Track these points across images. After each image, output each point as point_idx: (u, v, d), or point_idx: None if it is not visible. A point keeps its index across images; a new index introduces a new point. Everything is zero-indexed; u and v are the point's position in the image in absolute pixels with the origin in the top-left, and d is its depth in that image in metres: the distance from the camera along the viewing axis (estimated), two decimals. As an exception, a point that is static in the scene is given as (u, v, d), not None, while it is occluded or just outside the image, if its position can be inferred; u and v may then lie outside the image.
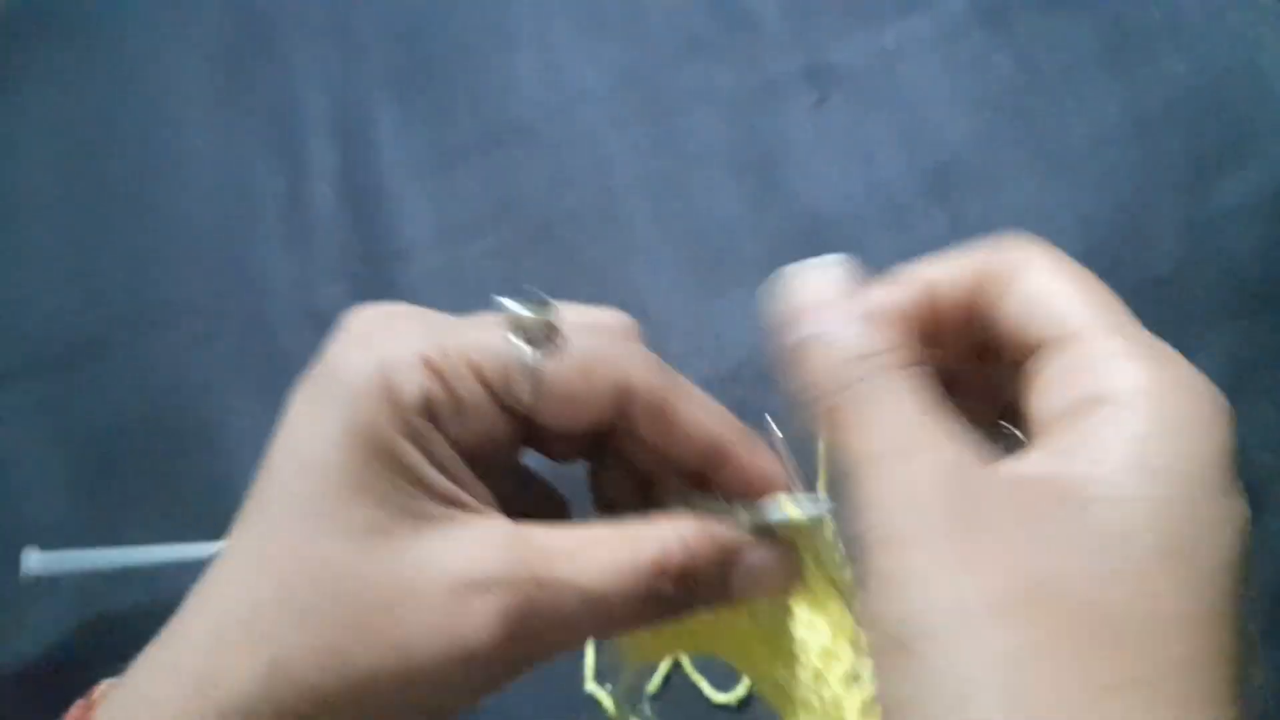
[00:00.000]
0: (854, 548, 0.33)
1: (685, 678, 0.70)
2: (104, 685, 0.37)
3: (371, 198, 0.93)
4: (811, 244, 0.82)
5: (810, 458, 0.39)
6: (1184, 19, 0.78)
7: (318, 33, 1.01)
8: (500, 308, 0.38)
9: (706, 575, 0.37)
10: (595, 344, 0.39)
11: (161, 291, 0.94)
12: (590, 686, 0.71)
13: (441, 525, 0.35)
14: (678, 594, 0.36)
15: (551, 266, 0.87)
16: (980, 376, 0.41)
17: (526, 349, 0.37)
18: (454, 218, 0.91)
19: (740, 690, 0.69)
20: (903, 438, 0.31)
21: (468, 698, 0.36)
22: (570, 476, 0.44)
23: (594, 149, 0.90)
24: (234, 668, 0.33)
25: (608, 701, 0.69)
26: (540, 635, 0.35)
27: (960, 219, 0.79)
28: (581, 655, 0.71)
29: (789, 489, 0.40)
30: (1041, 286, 0.35)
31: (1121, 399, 0.31)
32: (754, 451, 0.40)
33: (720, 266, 0.83)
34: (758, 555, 0.38)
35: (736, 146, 0.87)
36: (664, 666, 0.70)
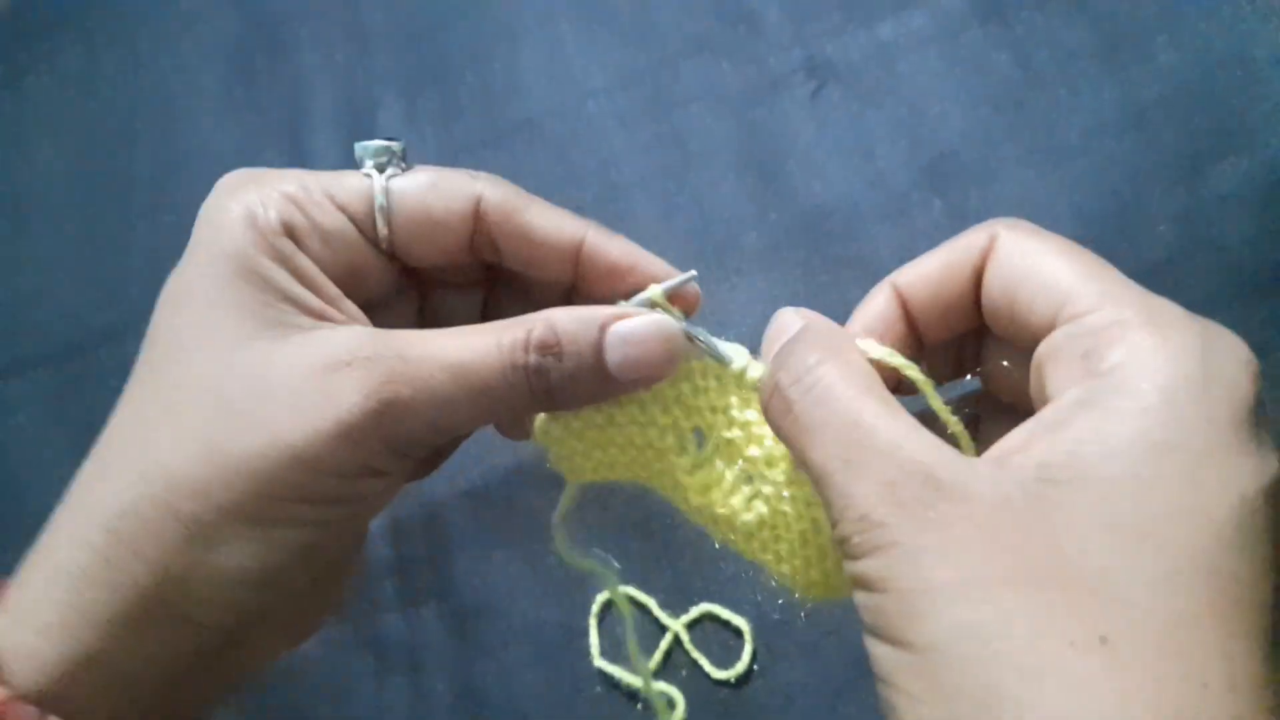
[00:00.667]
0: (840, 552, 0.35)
1: (686, 654, 0.71)
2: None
3: (379, 191, 0.94)
4: (812, 236, 0.83)
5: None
6: (1178, 13, 0.79)
7: (327, 31, 1.02)
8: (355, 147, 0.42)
9: (574, 345, 0.39)
10: (443, 169, 0.43)
11: (172, 285, 0.95)
12: (598, 662, 0.72)
13: (309, 331, 0.38)
14: (547, 364, 0.38)
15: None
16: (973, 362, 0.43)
17: (378, 175, 0.42)
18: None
19: (740, 667, 0.70)
20: (848, 451, 0.33)
21: (351, 482, 0.37)
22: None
23: (599, 145, 0.91)
24: (111, 478, 0.36)
25: (617, 672, 0.70)
26: (408, 403, 0.37)
27: (958, 210, 0.80)
28: (587, 633, 0.72)
29: (657, 279, 0.42)
30: (1025, 265, 0.36)
31: (1109, 372, 0.32)
32: (612, 239, 0.43)
33: (723, 258, 0.84)
34: (627, 322, 0.40)
35: (738, 141, 0.88)
36: (664, 644, 0.71)
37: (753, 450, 0.41)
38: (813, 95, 0.88)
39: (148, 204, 1.00)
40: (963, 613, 0.29)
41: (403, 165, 0.42)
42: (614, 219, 0.94)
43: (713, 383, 0.42)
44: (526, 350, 0.38)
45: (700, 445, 0.43)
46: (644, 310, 0.41)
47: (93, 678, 0.35)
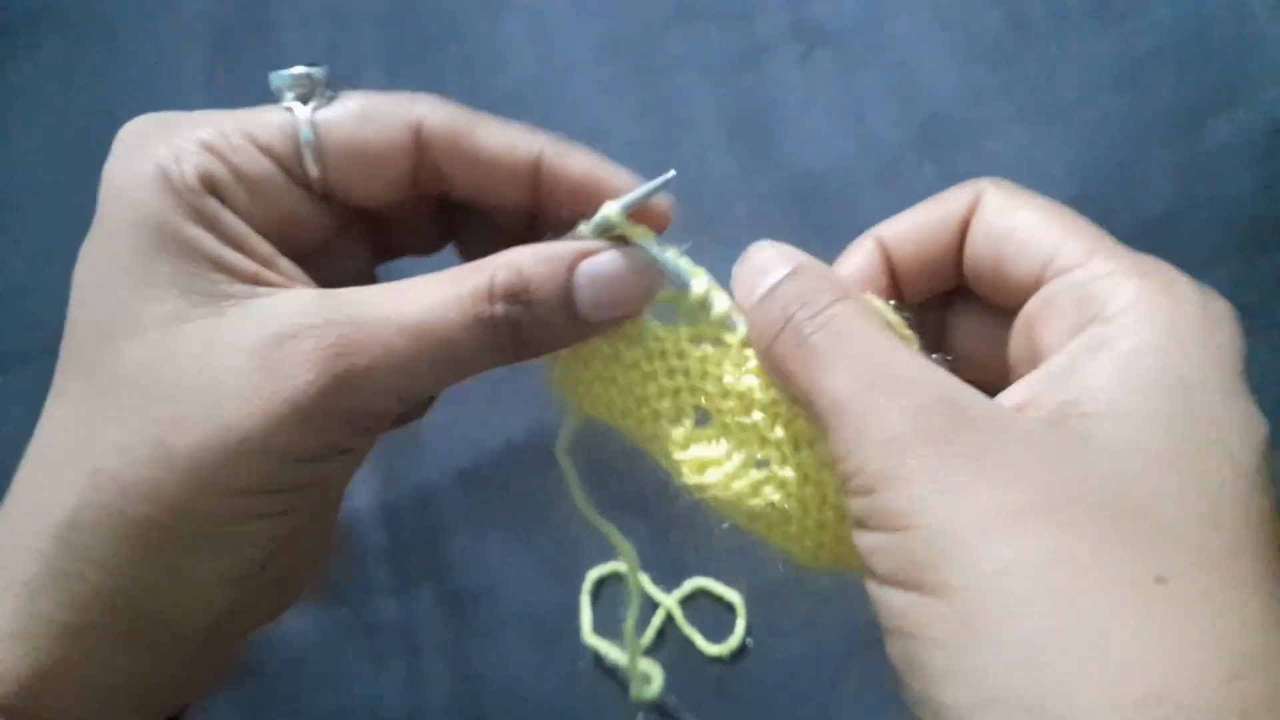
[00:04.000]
0: (846, 491, 0.32)
1: (679, 631, 0.71)
2: None
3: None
4: (803, 201, 0.82)
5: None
6: (1172, -37, 0.78)
7: (308, 10, 1.01)
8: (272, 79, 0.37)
9: (543, 289, 0.35)
10: (376, 94, 0.38)
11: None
12: (589, 639, 0.71)
13: (246, 300, 0.34)
14: (515, 313, 0.35)
15: (544, 235, 0.88)
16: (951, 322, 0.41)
17: (304, 109, 0.36)
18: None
19: (733, 642, 0.69)
20: (870, 380, 0.31)
21: (313, 465, 0.34)
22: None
23: (586, 117, 0.90)
24: (57, 486, 0.33)
25: (606, 649, 0.70)
26: (365, 374, 0.33)
27: (951, 172, 0.78)
28: (578, 611, 0.72)
29: (617, 193, 0.38)
30: (1008, 224, 0.35)
31: (1114, 317, 0.31)
32: (570, 154, 0.38)
33: (714, 227, 0.83)
34: (596, 260, 0.36)
35: (727, 108, 0.86)
36: (658, 621, 0.71)
37: (756, 415, 0.38)
38: (802, 59, 0.86)
39: (133, 192, 0.99)
40: (1005, 549, 0.27)
41: (328, 94, 0.37)
42: (602, 192, 0.94)
43: (728, 366, 0.39)
44: (491, 300, 0.34)
45: (702, 423, 0.40)
46: (607, 244, 0.37)
47: (64, 687, 0.33)
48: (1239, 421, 0.29)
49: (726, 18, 0.88)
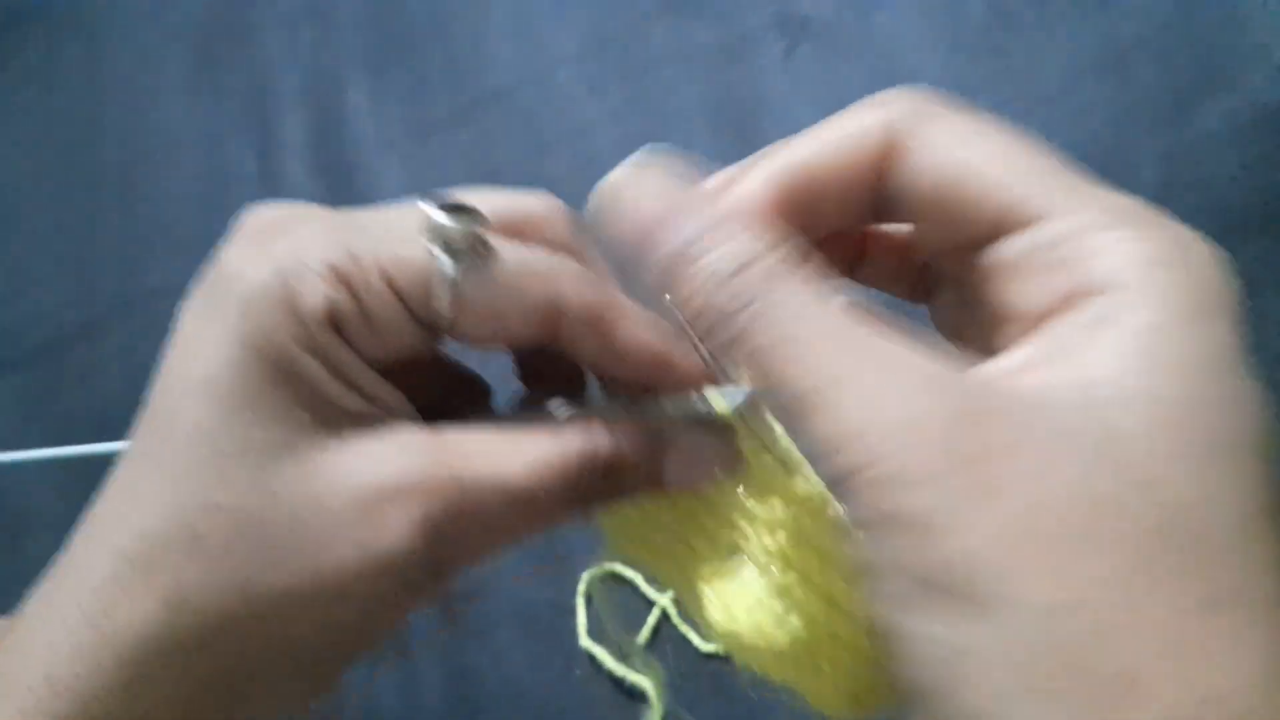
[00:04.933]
0: (833, 488, 0.31)
1: (674, 629, 0.70)
2: (1, 623, 0.35)
3: (347, 172, 0.93)
4: (790, 196, 0.82)
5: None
6: (1155, -52, 0.77)
7: (290, 11, 1.01)
8: (422, 211, 0.34)
9: (634, 465, 0.34)
10: (525, 259, 0.35)
11: (147, 278, 0.94)
12: (584, 642, 0.71)
13: (348, 439, 0.32)
14: (605, 485, 0.34)
15: (532, 232, 0.87)
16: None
17: (448, 262, 0.33)
18: (431, 189, 0.91)
19: (729, 638, 0.69)
20: (857, 351, 0.26)
21: (391, 611, 0.34)
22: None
23: (571, 113, 0.90)
24: (130, 606, 0.31)
25: (602, 655, 0.69)
26: (463, 537, 0.32)
27: (937, 162, 0.78)
28: (574, 612, 0.72)
29: (715, 382, 0.36)
30: (962, 157, 0.30)
31: (1111, 287, 0.27)
32: (688, 357, 0.36)
33: (700, 223, 0.83)
34: (689, 443, 0.35)
35: (713, 102, 0.86)
36: (652, 619, 0.71)
37: (767, 539, 0.36)
38: (786, 52, 0.86)
39: (117, 196, 0.98)
40: (1056, 565, 0.23)
41: (481, 250, 0.33)
42: (588, 189, 0.92)
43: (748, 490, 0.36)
44: (591, 470, 0.33)
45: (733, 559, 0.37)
46: (701, 427, 0.35)
47: None
48: (1260, 406, 0.26)
49: (711, 11, 0.88)
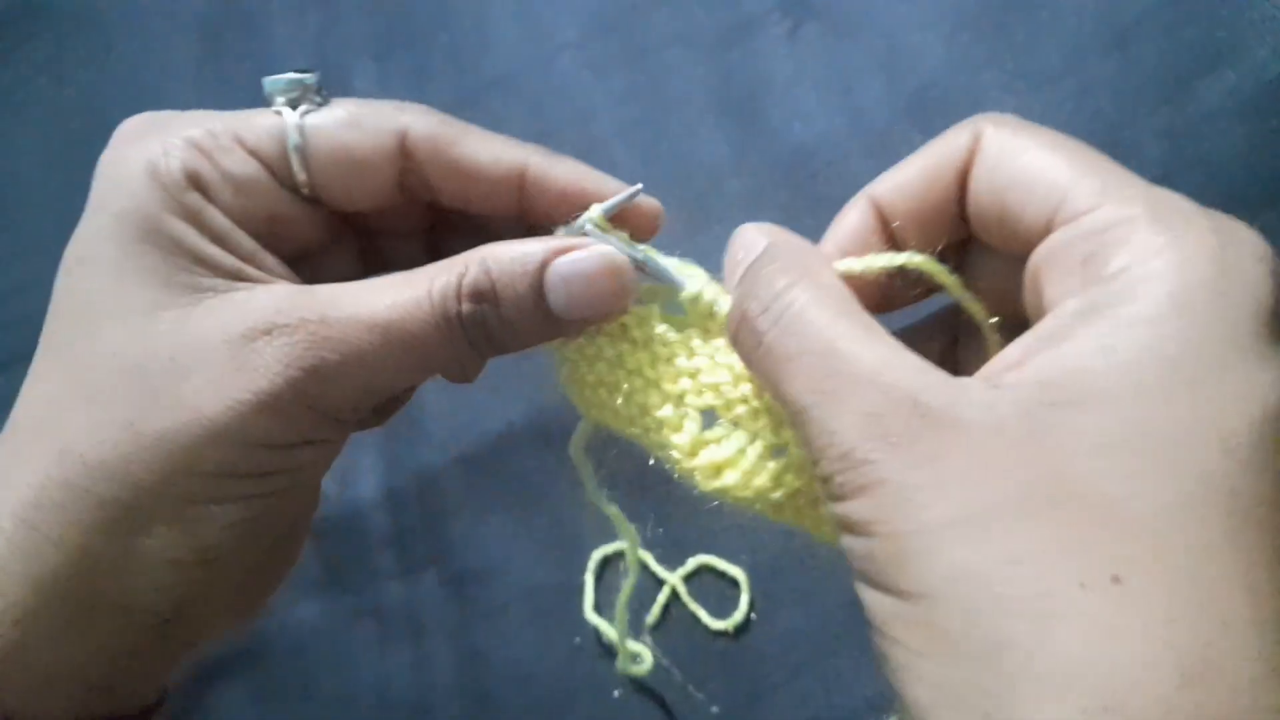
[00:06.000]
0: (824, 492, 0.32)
1: (684, 608, 0.71)
2: None
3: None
4: (794, 176, 0.82)
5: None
6: (1158, -76, 0.77)
7: (296, 1, 1.01)
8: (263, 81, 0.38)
9: (511, 289, 0.35)
10: (365, 102, 0.38)
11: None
12: (590, 616, 0.72)
13: (224, 293, 0.35)
14: (483, 312, 0.35)
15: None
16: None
17: (291, 112, 0.37)
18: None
19: (737, 616, 0.70)
20: (825, 382, 0.30)
21: (282, 453, 0.35)
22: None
23: (574, 98, 0.90)
24: (23, 464, 0.34)
25: (606, 628, 0.70)
26: (335, 371, 0.34)
27: (941, 142, 0.78)
28: (579, 590, 0.72)
29: (603, 205, 0.38)
30: (1015, 165, 0.33)
31: (1114, 276, 0.28)
32: (557, 162, 0.39)
33: (705, 204, 0.83)
34: (567, 258, 0.36)
35: (715, 85, 0.86)
36: (662, 598, 0.71)
37: (749, 394, 0.37)
38: (789, 33, 0.85)
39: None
40: (960, 554, 0.26)
41: (318, 100, 0.38)
42: (593, 173, 0.93)
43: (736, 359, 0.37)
44: (459, 299, 0.35)
45: (711, 424, 0.38)
46: (587, 240, 0.37)
47: (23, 671, 0.33)
48: (1238, 393, 0.27)
49: (713, -6, 0.88)
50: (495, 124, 0.92)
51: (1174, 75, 0.73)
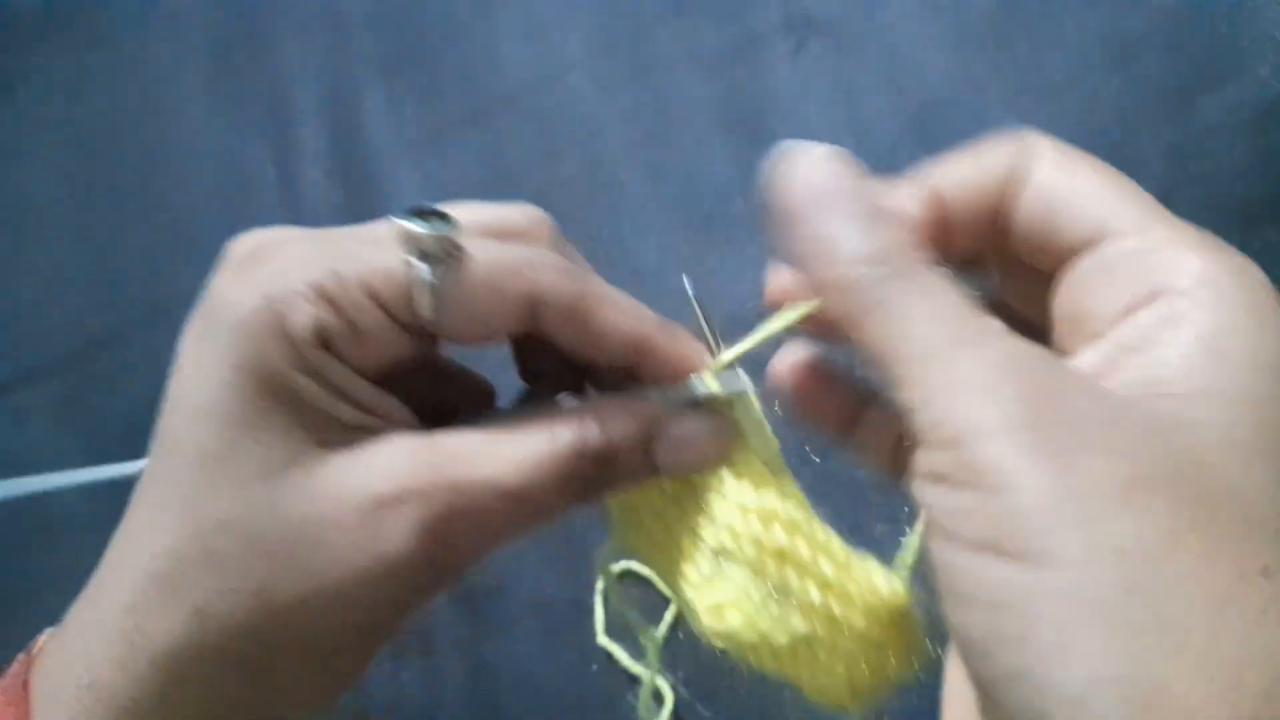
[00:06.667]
0: (911, 448, 0.31)
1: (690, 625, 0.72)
2: (44, 637, 0.37)
3: (363, 176, 0.95)
4: (799, 194, 0.82)
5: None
6: (1160, -60, 0.77)
7: (305, 20, 1.02)
8: (395, 223, 0.36)
9: (627, 453, 0.36)
10: (500, 257, 0.36)
11: (171, 284, 0.96)
12: (602, 640, 0.72)
13: (347, 451, 0.34)
14: (599, 474, 0.35)
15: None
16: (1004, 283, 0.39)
17: (425, 269, 0.35)
18: (445, 193, 0.91)
19: (744, 631, 0.70)
20: (957, 330, 0.29)
21: (402, 609, 0.36)
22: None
23: (581, 116, 0.91)
24: (159, 620, 0.33)
25: (618, 652, 0.71)
26: (462, 538, 0.34)
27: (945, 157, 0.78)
28: (590, 605, 0.73)
29: (710, 367, 0.38)
30: (1065, 185, 0.33)
31: (1182, 291, 0.29)
32: (675, 339, 0.38)
33: (711, 223, 0.84)
34: (680, 427, 0.37)
35: (721, 102, 0.87)
36: (669, 615, 0.72)
37: (778, 534, 0.36)
38: (794, 51, 0.86)
39: (140, 205, 1.00)
40: (1125, 526, 0.25)
41: (453, 252, 0.35)
42: (599, 190, 0.94)
43: (744, 489, 0.37)
44: (582, 460, 0.35)
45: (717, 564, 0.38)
46: (695, 411, 0.37)
47: None
48: None
49: (718, 11, 0.89)
50: (502, 141, 0.94)
51: (1176, 91, 0.74)
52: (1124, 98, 0.75)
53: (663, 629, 0.71)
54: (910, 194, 0.36)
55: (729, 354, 0.38)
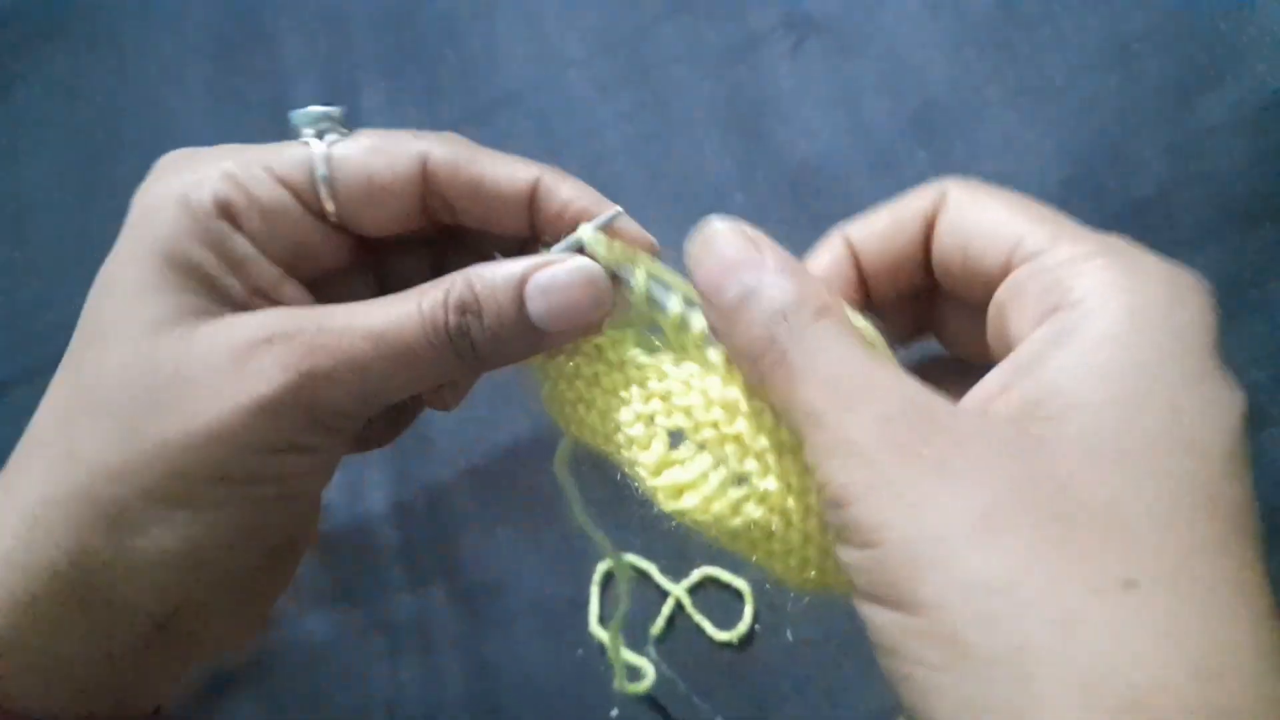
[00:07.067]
0: (824, 507, 0.32)
1: (688, 620, 0.72)
2: None
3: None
4: (799, 193, 0.83)
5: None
6: (1159, -60, 0.78)
7: (306, 20, 1.02)
8: (293, 113, 0.40)
9: (493, 302, 0.37)
10: (387, 131, 0.40)
11: (170, 284, 0.96)
12: (594, 628, 0.73)
13: (231, 317, 0.37)
14: (467, 323, 0.37)
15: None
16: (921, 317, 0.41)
17: (319, 141, 0.39)
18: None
19: (741, 628, 0.70)
20: (846, 389, 0.31)
21: (275, 458, 0.36)
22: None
23: (581, 115, 0.91)
24: (32, 466, 0.36)
25: (609, 639, 0.71)
26: (330, 377, 0.36)
27: (944, 158, 0.79)
28: (587, 602, 0.73)
29: (600, 220, 0.39)
30: (973, 217, 0.35)
31: (1074, 304, 0.30)
32: (563, 182, 0.40)
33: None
34: (543, 272, 0.37)
35: (721, 102, 0.87)
36: (667, 609, 0.72)
37: (740, 424, 0.37)
38: (793, 50, 0.86)
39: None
40: (976, 562, 0.27)
41: (343, 131, 0.40)
42: (600, 188, 0.94)
43: (711, 380, 0.38)
44: (445, 311, 0.37)
45: (676, 445, 0.39)
46: (565, 255, 0.38)
47: (23, 663, 0.35)
48: (1205, 405, 0.28)
49: (717, 11, 0.89)
50: (504, 141, 0.93)
51: (1175, 91, 0.74)
52: (1123, 98, 0.75)
53: (659, 624, 0.72)
54: (826, 250, 0.39)
55: (600, 219, 0.40)
